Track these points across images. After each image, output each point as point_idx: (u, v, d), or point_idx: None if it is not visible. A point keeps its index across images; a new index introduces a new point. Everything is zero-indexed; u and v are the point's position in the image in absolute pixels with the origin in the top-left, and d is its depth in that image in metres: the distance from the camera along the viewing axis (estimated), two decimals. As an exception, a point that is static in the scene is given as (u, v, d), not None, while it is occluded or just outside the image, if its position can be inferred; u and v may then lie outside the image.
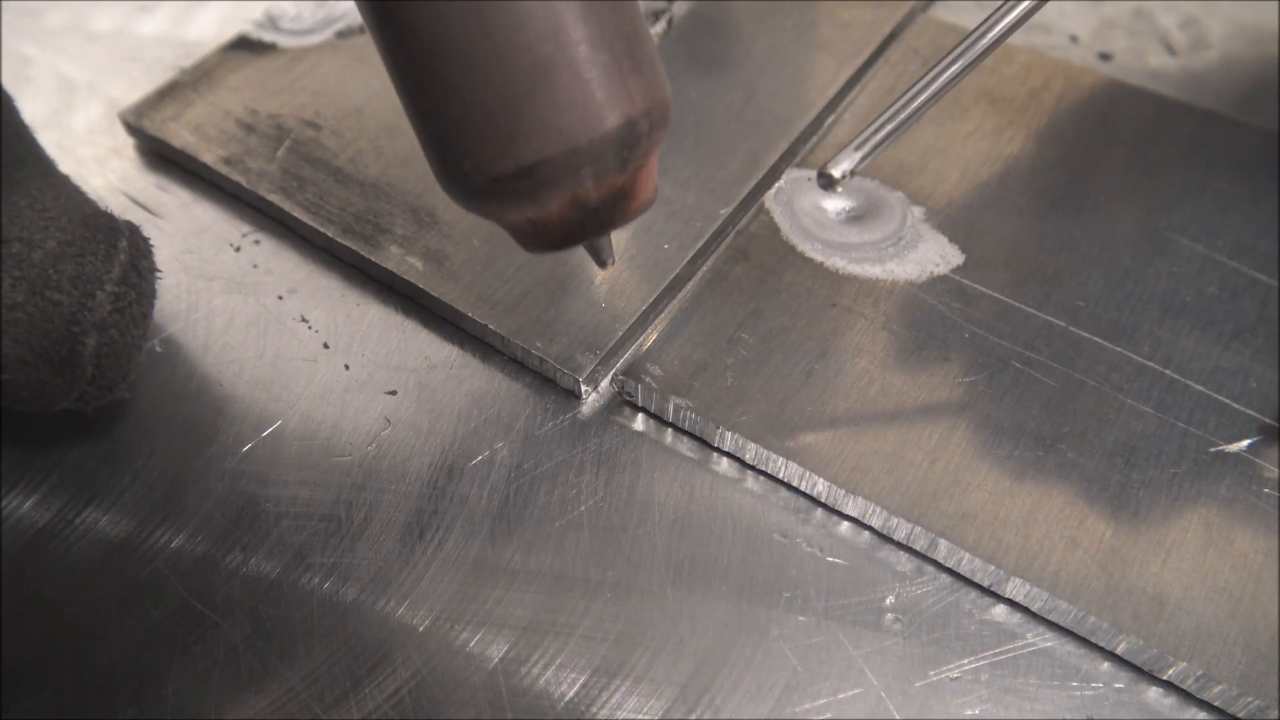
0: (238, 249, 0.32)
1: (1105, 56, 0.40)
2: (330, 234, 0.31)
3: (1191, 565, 0.24)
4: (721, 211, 0.32)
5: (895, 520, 0.25)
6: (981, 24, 0.25)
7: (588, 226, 0.23)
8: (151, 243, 0.27)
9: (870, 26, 0.38)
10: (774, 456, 0.26)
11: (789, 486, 0.27)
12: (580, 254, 0.30)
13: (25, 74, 0.38)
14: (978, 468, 0.26)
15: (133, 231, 0.27)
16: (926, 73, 0.25)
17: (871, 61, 0.37)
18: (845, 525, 0.26)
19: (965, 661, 0.24)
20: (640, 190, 0.23)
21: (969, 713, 0.23)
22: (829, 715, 0.23)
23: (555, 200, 0.22)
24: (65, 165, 0.29)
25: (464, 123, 0.21)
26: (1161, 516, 0.25)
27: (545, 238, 0.23)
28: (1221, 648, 0.23)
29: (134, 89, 0.37)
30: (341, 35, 0.38)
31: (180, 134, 0.34)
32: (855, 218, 0.32)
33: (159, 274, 0.27)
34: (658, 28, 0.37)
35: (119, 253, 0.26)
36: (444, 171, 0.22)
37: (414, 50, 0.21)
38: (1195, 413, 0.27)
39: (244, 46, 0.37)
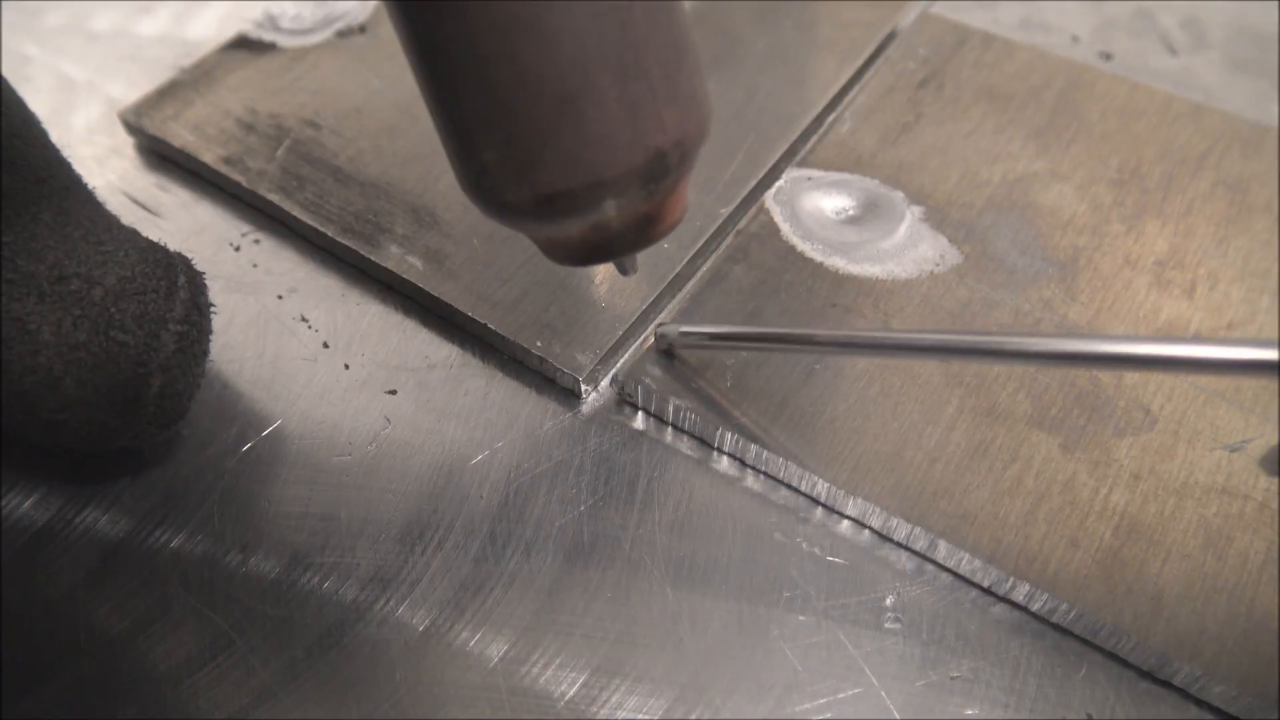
0: (237, 248, 0.32)
1: (1106, 56, 0.40)
2: (330, 233, 0.31)
3: (1191, 565, 0.24)
4: (721, 211, 0.32)
5: (895, 520, 0.25)
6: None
7: (610, 249, 0.22)
8: (205, 277, 0.27)
9: (870, 26, 0.38)
10: (774, 456, 0.26)
11: (789, 486, 0.27)
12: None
13: (25, 74, 0.38)
14: (978, 468, 0.26)
15: (188, 266, 0.26)
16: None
17: (872, 60, 0.37)
18: (845, 525, 0.26)
19: (965, 661, 0.24)
20: (668, 214, 0.22)
21: (969, 713, 0.23)
22: (829, 715, 0.23)
23: (575, 226, 0.21)
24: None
25: (484, 144, 0.20)
26: (1161, 516, 0.25)
27: (565, 255, 0.23)
28: (1221, 648, 0.23)
29: (134, 89, 0.37)
30: (341, 35, 0.38)
31: (180, 133, 0.34)
32: (855, 218, 0.32)
33: (214, 309, 0.27)
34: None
35: (179, 289, 0.25)
36: (462, 180, 0.21)
37: (437, 65, 0.19)
38: (1196, 411, 0.27)
39: (244, 46, 0.37)
